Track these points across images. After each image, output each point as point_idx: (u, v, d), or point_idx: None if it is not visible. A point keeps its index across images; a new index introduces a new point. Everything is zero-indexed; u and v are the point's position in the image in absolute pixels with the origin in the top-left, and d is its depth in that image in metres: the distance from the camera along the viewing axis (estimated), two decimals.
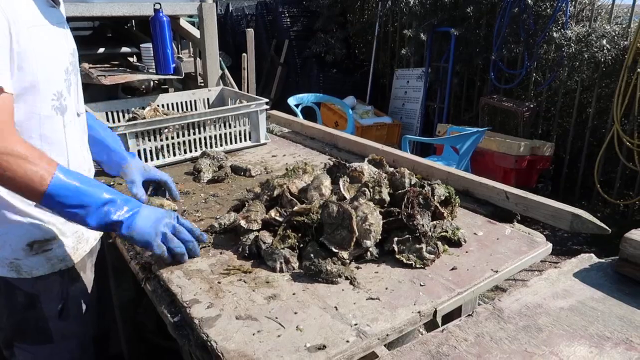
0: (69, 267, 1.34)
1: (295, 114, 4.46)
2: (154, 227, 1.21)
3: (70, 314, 1.38)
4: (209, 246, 1.38)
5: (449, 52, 5.28)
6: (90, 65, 2.85)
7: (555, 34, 4.33)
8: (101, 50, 3.12)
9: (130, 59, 3.19)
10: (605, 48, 4.05)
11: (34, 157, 1.06)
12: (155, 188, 1.63)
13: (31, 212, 1.25)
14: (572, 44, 4.22)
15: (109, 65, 2.98)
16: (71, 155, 1.30)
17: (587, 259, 1.26)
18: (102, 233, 1.52)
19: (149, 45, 2.76)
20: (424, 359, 0.93)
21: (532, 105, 4.61)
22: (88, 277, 1.45)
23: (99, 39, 3.33)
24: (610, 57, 4.06)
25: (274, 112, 2.67)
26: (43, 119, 1.19)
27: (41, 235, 1.27)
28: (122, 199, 1.18)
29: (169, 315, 1.14)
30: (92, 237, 1.45)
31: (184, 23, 3.11)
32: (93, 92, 2.61)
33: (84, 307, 1.42)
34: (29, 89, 1.13)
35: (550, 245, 1.38)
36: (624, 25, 4.14)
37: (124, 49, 3.22)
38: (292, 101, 4.98)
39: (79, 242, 1.38)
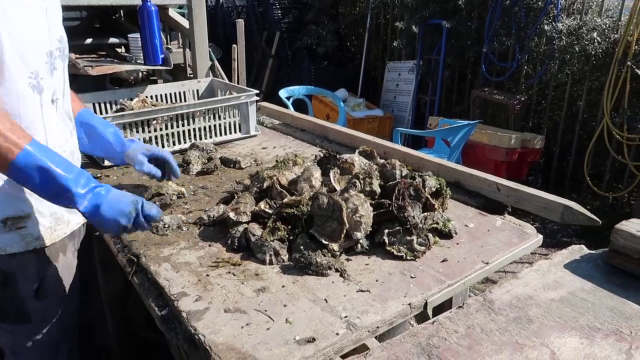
0: (44, 246, 1.34)
1: (286, 107, 4.43)
2: (114, 220, 1.20)
3: (48, 294, 1.37)
4: (197, 238, 1.37)
5: (441, 44, 5.27)
6: (77, 56, 2.80)
7: (546, 27, 4.33)
8: (89, 40, 3.06)
9: (118, 50, 3.14)
10: (595, 41, 4.05)
11: (6, 129, 1.08)
12: (157, 166, 1.63)
13: (5, 188, 1.24)
14: (563, 37, 4.22)
15: (96, 56, 2.93)
16: (50, 136, 1.31)
17: (578, 251, 1.26)
18: (85, 220, 1.50)
19: (137, 35, 2.70)
20: (415, 350, 0.92)
21: (523, 98, 4.62)
22: (69, 260, 1.44)
23: (86, 30, 3.26)
24: (600, 50, 4.07)
25: (265, 103, 2.64)
26: (20, 96, 1.21)
27: (14, 212, 1.27)
28: (87, 188, 1.17)
29: (156, 309, 1.13)
30: (73, 221, 1.44)
31: (172, 13, 3.06)
32: (80, 83, 2.56)
33: (63, 289, 1.42)
34: (4, 64, 1.16)
35: (540, 237, 1.37)
36: (614, 19, 4.15)
37: (112, 40, 3.16)
38: (283, 93, 4.95)
39: (58, 223, 1.37)
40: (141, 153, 1.58)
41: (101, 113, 2.12)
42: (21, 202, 1.28)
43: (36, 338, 1.39)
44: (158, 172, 1.60)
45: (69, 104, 1.45)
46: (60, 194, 1.15)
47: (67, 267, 1.43)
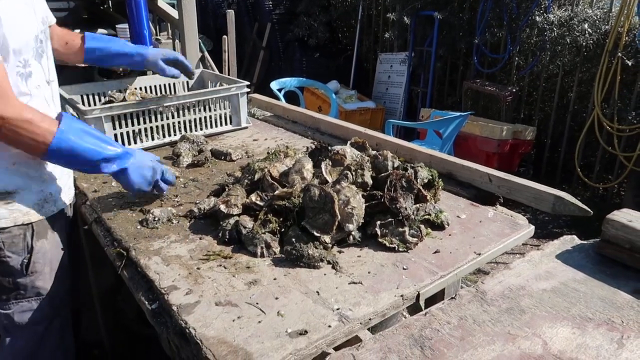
0: (32, 221, 1.37)
1: (278, 99, 4.40)
2: (138, 183, 1.39)
3: (37, 270, 1.41)
4: (187, 231, 1.35)
5: (433, 36, 5.25)
6: None
7: (537, 18, 4.33)
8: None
9: None
10: (586, 32, 4.06)
11: (37, 120, 1.21)
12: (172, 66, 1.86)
13: None
14: (554, 28, 4.22)
15: None
16: None
17: (569, 241, 1.26)
18: (72, 198, 1.57)
19: (125, 26, 2.66)
20: (407, 342, 0.92)
21: (514, 90, 4.62)
22: (58, 237, 1.47)
23: (74, 20, 3.21)
24: (591, 42, 4.08)
25: (256, 95, 2.62)
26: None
27: (2, 187, 1.31)
28: (114, 155, 1.34)
29: (146, 303, 1.11)
30: (61, 200, 1.47)
31: (162, 4, 3.03)
32: (68, 75, 2.52)
33: (53, 265, 1.45)
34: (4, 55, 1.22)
35: (532, 227, 1.38)
36: (605, 10, 4.16)
37: (100, 31, 3.11)
38: (274, 85, 4.91)
39: (46, 201, 1.41)
40: (160, 60, 1.80)
41: (89, 105, 2.09)
42: (8, 178, 1.31)
43: (27, 314, 1.43)
44: (178, 73, 1.86)
45: (56, 84, 1.50)
46: (94, 167, 1.32)
47: (56, 243, 1.46)
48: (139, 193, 1.45)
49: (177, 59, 1.86)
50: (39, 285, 1.42)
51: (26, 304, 1.42)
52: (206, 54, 3.98)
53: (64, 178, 1.48)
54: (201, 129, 2.10)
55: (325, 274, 1.15)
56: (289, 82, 5.14)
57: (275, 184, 1.41)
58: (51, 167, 1.41)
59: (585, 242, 1.25)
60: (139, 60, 1.78)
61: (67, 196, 1.52)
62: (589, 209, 1.35)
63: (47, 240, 1.42)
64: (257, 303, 1.05)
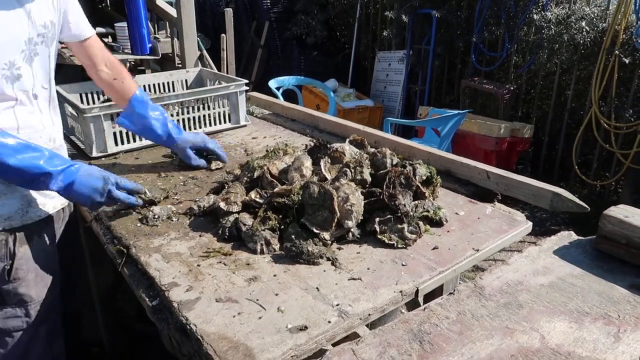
0: (14, 227, 1.34)
1: (276, 97, 4.40)
2: (87, 196, 1.31)
3: (20, 276, 1.37)
4: (187, 229, 1.36)
5: (431, 34, 5.26)
6: (63, 46, 2.75)
7: (535, 16, 4.34)
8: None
9: (105, 40, 3.10)
10: (584, 30, 4.07)
11: None
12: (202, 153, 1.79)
13: None
14: (552, 26, 4.23)
15: None
16: (22, 123, 1.33)
17: (567, 237, 1.27)
18: (63, 205, 1.53)
19: (124, 24, 2.67)
20: (406, 337, 0.93)
21: (512, 88, 4.64)
22: (45, 245, 1.44)
23: None
24: (589, 40, 4.09)
25: (254, 93, 2.62)
26: None
27: None
28: (58, 170, 1.25)
29: (147, 299, 1.12)
30: (49, 205, 1.44)
31: (160, 2, 3.03)
32: (67, 73, 2.53)
33: (38, 272, 1.42)
34: None
35: (530, 223, 1.38)
36: (602, 7, 4.17)
37: (99, 29, 3.11)
38: (273, 84, 4.92)
39: (30, 205, 1.38)
40: (189, 148, 1.72)
41: (88, 103, 2.09)
42: None
43: (11, 321, 1.39)
44: (204, 164, 1.76)
45: (54, 89, 1.47)
46: (37, 184, 1.25)
47: (42, 249, 1.43)
48: (96, 207, 1.37)
49: (207, 148, 1.76)
50: (22, 292, 1.38)
51: (9, 311, 1.38)
52: (204, 52, 3.98)
53: None
54: (200, 127, 2.10)
55: (324, 271, 1.16)
56: (287, 81, 5.15)
57: (275, 181, 1.42)
58: None
59: (582, 238, 1.26)
60: (166, 142, 1.71)
61: (59, 200, 1.47)
62: (586, 206, 1.36)
63: (33, 246, 1.39)
64: (257, 299, 1.06)
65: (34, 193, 1.38)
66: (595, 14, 4.11)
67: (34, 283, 1.41)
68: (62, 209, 1.53)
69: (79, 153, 1.89)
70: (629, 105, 3.90)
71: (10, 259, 1.34)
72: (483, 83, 4.79)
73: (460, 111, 3.95)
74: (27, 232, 1.38)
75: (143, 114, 1.64)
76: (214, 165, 1.77)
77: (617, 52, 3.77)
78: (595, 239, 1.20)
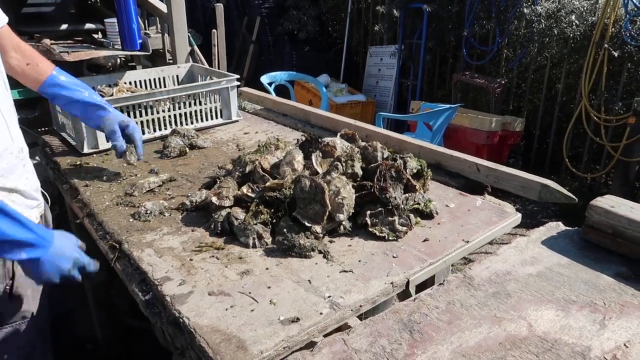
0: None
1: (268, 93, 4.39)
2: (50, 273, 1.17)
3: (21, 293, 1.36)
4: (179, 224, 1.37)
5: (422, 28, 5.27)
6: (53, 42, 2.73)
7: (525, 10, 4.36)
8: (64, 26, 2.99)
9: (95, 36, 3.07)
10: (574, 24, 4.10)
11: None
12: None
13: None
14: (542, 20, 4.26)
15: (72, 42, 2.86)
16: None
17: (555, 227, 1.29)
18: (41, 210, 1.46)
19: (114, 20, 2.65)
20: (396, 327, 0.94)
21: (503, 82, 4.66)
22: None
23: (61, 15, 3.17)
24: (579, 33, 4.12)
25: (246, 89, 2.62)
26: None
27: None
28: (24, 240, 1.10)
29: (140, 294, 1.13)
30: (33, 216, 1.40)
31: None
32: None
33: (34, 287, 1.40)
34: None
35: (519, 215, 1.40)
36: (592, 1, 4.20)
37: (88, 26, 3.08)
38: (265, 79, 4.91)
39: None
40: (118, 123, 1.60)
41: None
42: None
43: (13, 339, 1.38)
44: (124, 147, 1.61)
45: (10, 99, 1.34)
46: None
47: None
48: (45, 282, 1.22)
49: (133, 138, 1.63)
50: (23, 310, 1.38)
51: (11, 330, 1.37)
52: (195, 48, 3.96)
53: (30, 203, 1.38)
54: (192, 123, 2.10)
55: (316, 263, 1.17)
56: (279, 76, 5.14)
57: (266, 175, 1.43)
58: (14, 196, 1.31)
59: (570, 228, 1.28)
60: (97, 114, 1.59)
61: (38, 210, 1.42)
62: (574, 197, 1.38)
63: None
64: (249, 292, 1.06)
65: (21, 208, 1.30)
66: (585, 8, 4.13)
67: (32, 297, 1.40)
68: (41, 216, 1.47)
69: (70, 150, 1.88)
70: (618, 98, 3.94)
71: (10, 279, 1.33)
72: (474, 77, 4.81)
73: (452, 105, 3.97)
74: None
75: (66, 86, 1.56)
76: (132, 158, 1.65)
77: (606, 45, 3.80)
78: (582, 229, 1.22)
